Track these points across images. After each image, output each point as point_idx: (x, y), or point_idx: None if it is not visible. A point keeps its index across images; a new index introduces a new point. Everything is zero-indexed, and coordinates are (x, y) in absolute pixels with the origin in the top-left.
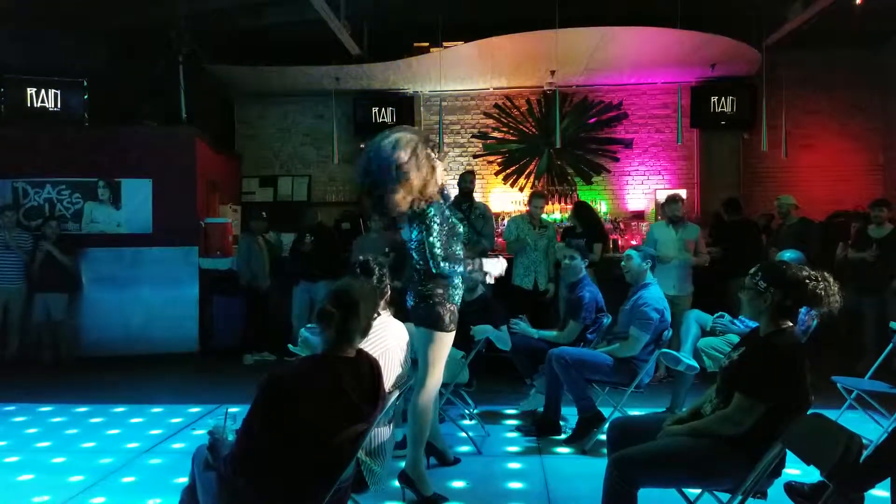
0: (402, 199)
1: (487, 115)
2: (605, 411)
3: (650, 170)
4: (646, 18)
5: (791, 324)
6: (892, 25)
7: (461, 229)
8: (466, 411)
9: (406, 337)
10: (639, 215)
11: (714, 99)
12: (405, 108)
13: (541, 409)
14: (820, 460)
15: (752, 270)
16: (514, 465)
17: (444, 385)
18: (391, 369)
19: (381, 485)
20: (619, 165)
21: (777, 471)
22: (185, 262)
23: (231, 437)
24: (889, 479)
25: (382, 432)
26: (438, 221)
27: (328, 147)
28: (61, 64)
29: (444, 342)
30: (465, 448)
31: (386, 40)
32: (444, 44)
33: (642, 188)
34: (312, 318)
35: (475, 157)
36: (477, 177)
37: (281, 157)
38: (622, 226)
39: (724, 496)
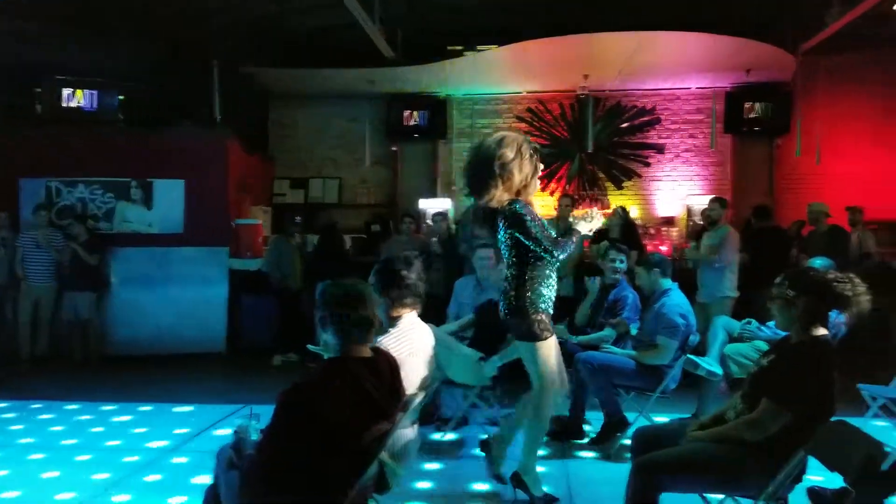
0: (500, 197)
1: (520, 119)
2: (630, 416)
3: (682, 175)
4: (681, 23)
5: (825, 331)
6: None
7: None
8: (492, 414)
9: (432, 340)
10: (669, 221)
11: (748, 104)
12: (437, 111)
13: (566, 414)
14: (843, 467)
15: (777, 280)
16: (538, 469)
17: (468, 388)
18: (417, 371)
19: (403, 486)
20: (650, 171)
21: (798, 477)
22: (215, 263)
23: (255, 437)
24: None
25: (406, 434)
26: (530, 212)
27: (360, 149)
28: (99, 65)
29: (545, 349)
30: None
31: (419, 43)
32: (478, 47)
33: (674, 194)
34: None
35: None
36: None
37: (314, 159)
38: (652, 231)
39: (746, 502)
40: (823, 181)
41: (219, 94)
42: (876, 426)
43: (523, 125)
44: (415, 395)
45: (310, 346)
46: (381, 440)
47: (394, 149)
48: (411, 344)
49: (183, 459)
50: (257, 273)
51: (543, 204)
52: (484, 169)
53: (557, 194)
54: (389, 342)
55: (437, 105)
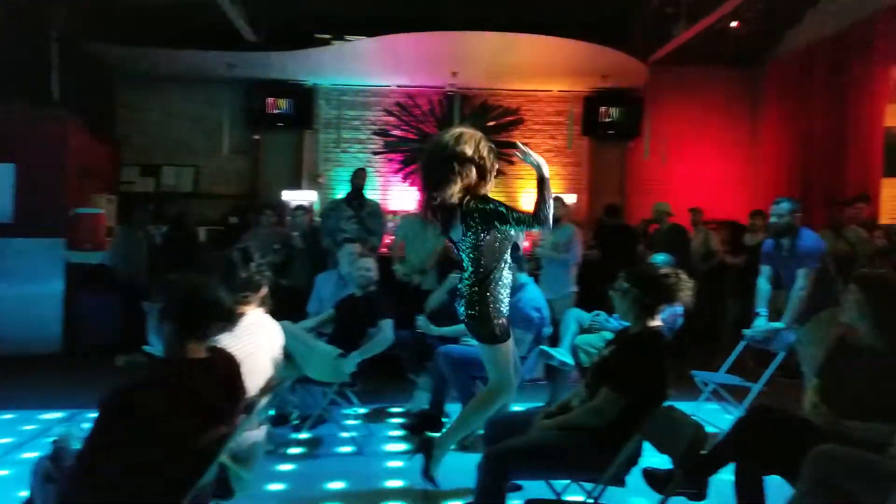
0: (457, 193)
1: (389, 113)
2: None
3: None
4: (546, 27)
5: (658, 322)
6: (764, 48)
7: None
8: (351, 411)
9: (281, 337)
10: None
11: (603, 109)
12: (303, 100)
13: (426, 407)
14: (671, 450)
15: (619, 274)
16: (394, 464)
17: (327, 385)
18: (260, 370)
19: (250, 490)
20: (515, 169)
21: (634, 460)
22: (49, 255)
23: (77, 446)
24: (732, 465)
25: (251, 436)
26: (495, 200)
27: (219, 136)
28: None
29: (504, 351)
30: (347, 449)
31: (285, 30)
32: (346, 37)
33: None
34: None
35: (375, 153)
36: (377, 175)
37: (167, 145)
38: None
39: (590, 486)
40: (669, 183)
41: (58, 70)
42: (708, 409)
43: (392, 119)
44: (259, 395)
45: (146, 348)
46: (220, 444)
47: (256, 137)
48: (254, 341)
49: (5, 472)
50: (100, 267)
51: (414, 198)
52: (441, 165)
53: None
54: (229, 340)
55: (304, 94)
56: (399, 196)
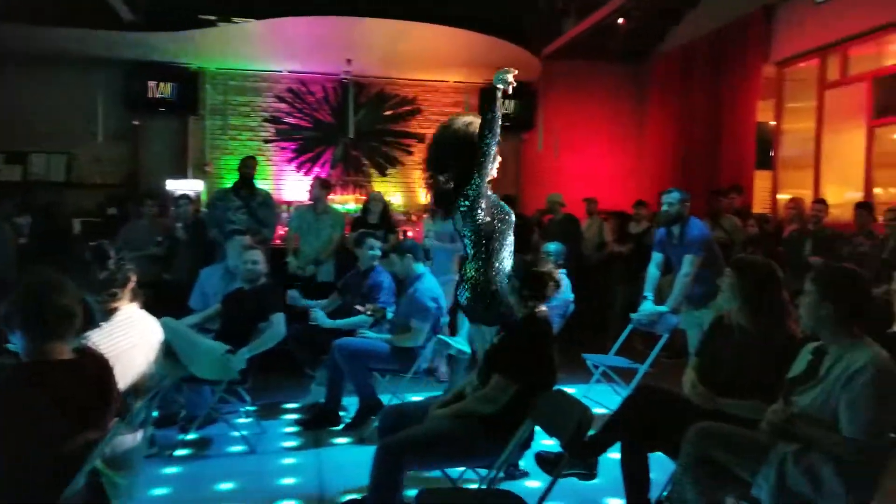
0: (461, 177)
1: (280, 99)
2: (385, 398)
3: None
4: (442, 18)
5: (543, 308)
6: (650, 45)
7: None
8: (242, 408)
9: (158, 333)
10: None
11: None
12: (188, 84)
13: (322, 401)
14: (559, 433)
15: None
16: (288, 461)
17: (214, 383)
18: (135, 368)
19: (127, 499)
20: (413, 159)
21: (527, 444)
22: None
23: None
24: (619, 443)
25: (126, 440)
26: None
27: (94, 122)
28: None
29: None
30: (238, 448)
31: (167, 10)
32: (234, 19)
33: None
34: None
35: (267, 142)
36: (269, 163)
37: (35, 130)
38: (415, 218)
39: (484, 471)
40: (562, 174)
41: None
42: (599, 391)
43: (284, 106)
44: (135, 396)
45: (10, 346)
46: (89, 449)
47: (136, 123)
48: (128, 338)
49: None
50: None
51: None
52: (451, 149)
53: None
54: (100, 338)
55: (188, 78)
56: (292, 186)
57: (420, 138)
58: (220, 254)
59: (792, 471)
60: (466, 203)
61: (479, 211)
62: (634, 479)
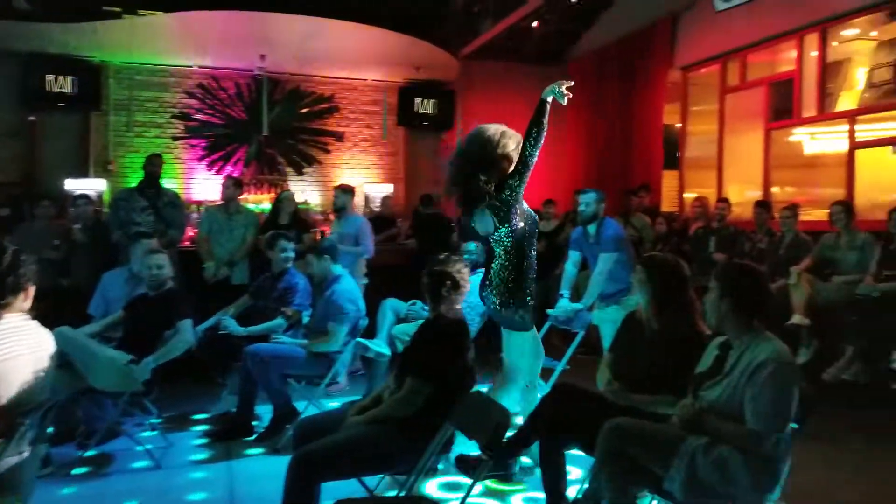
0: (486, 185)
1: (190, 95)
2: (300, 405)
3: (360, 164)
4: (360, 16)
5: (457, 307)
6: (565, 48)
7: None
8: (147, 421)
9: (50, 345)
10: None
11: (418, 100)
12: (90, 78)
13: (234, 410)
14: (478, 435)
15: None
16: (197, 475)
17: (116, 395)
18: (17, 382)
19: None
20: (331, 158)
21: (447, 447)
22: None
23: None
24: (538, 442)
25: (12, 460)
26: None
27: None
28: None
29: (530, 339)
30: (142, 463)
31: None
32: (139, 11)
33: (353, 181)
34: None
35: (175, 139)
36: (178, 162)
37: None
38: (332, 218)
39: (402, 478)
40: None
41: None
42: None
43: (194, 102)
44: (23, 413)
45: None
46: None
47: (32, 119)
48: (12, 349)
49: None
50: None
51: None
52: (485, 158)
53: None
54: None
55: (90, 72)
56: (203, 185)
57: (338, 136)
58: (124, 257)
59: (702, 463)
60: (504, 209)
61: (515, 217)
62: (552, 475)
